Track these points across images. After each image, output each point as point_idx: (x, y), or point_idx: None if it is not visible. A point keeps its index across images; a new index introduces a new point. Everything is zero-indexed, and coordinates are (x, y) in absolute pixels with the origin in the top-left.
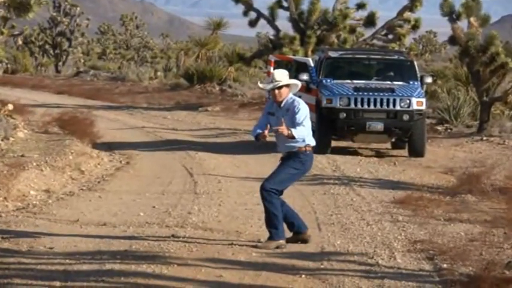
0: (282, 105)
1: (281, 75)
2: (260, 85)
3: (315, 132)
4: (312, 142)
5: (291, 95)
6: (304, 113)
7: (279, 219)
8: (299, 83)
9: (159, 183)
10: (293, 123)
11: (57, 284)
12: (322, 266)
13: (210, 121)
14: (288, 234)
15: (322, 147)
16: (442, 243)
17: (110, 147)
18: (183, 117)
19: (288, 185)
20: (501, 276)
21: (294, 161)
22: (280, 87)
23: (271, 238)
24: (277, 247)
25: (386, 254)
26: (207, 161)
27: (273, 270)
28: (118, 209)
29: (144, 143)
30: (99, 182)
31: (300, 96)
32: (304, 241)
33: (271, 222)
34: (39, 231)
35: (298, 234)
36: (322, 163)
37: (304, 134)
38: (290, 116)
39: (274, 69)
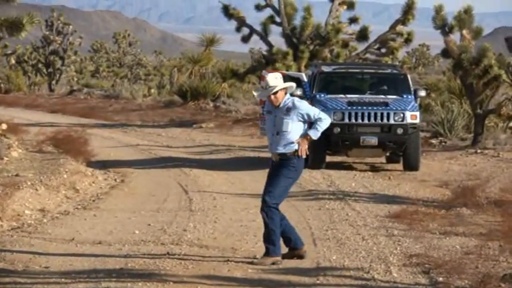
0: (280, 106)
1: (275, 80)
2: (255, 93)
3: (309, 148)
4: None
5: (288, 95)
6: (309, 107)
7: (277, 236)
8: (293, 84)
9: (154, 201)
10: (304, 121)
11: None
12: (318, 282)
13: (204, 138)
14: (284, 249)
15: (316, 163)
16: (437, 256)
17: (104, 165)
18: (178, 134)
19: (285, 196)
20: None
21: (288, 169)
22: (275, 92)
23: (267, 254)
24: (273, 263)
25: (382, 269)
26: (201, 178)
27: (269, 287)
28: (113, 227)
29: (139, 160)
30: (94, 201)
31: None
32: (300, 257)
33: (269, 238)
34: (34, 251)
35: (294, 250)
36: (317, 178)
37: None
38: (294, 115)
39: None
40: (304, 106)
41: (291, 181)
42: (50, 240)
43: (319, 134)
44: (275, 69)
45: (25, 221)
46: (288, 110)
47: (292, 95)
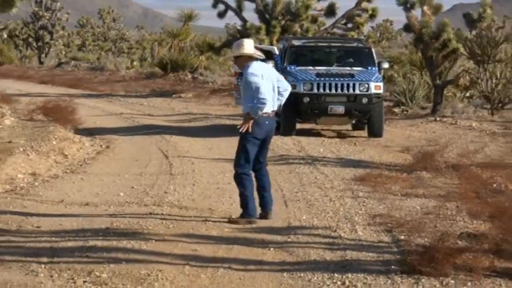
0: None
1: (242, 47)
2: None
3: (281, 116)
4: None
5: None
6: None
7: (249, 200)
8: (259, 54)
9: (137, 165)
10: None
11: (45, 259)
12: (289, 240)
13: (183, 107)
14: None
15: (287, 130)
16: (399, 216)
17: (90, 132)
18: (158, 104)
19: (250, 160)
20: (454, 247)
21: (240, 134)
22: (237, 57)
23: (242, 216)
24: (249, 223)
25: (348, 228)
26: (181, 144)
27: (244, 244)
28: (99, 189)
29: (123, 128)
30: (81, 165)
31: None
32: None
33: (241, 202)
34: (26, 212)
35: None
36: (288, 144)
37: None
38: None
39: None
40: (247, 76)
41: (244, 145)
42: (41, 202)
43: (256, 110)
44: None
45: (18, 184)
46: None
47: None
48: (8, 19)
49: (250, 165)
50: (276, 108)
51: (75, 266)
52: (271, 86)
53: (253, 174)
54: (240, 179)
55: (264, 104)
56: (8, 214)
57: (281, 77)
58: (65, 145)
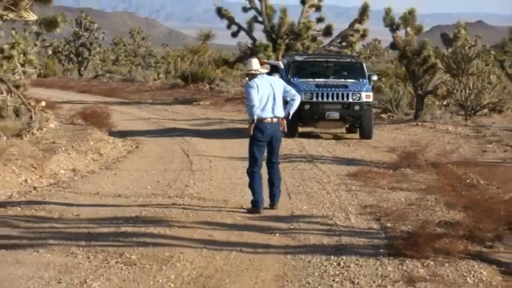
0: None
1: (248, 65)
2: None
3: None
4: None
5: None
6: (246, 90)
7: (256, 193)
8: (263, 70)
9: (162, 163)
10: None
11: (83, 243)
12: (292, 227)
13: (202, 113)
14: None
15: (291, 133)
16: (386, 207)
17: (122, 134)
18: (181, 110)
19: (256, 161)
20: (433, 233)
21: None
22: (247, 74)
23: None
24: (256, 213)
25: (342, 216)
26: (199, 145)
27: (253, 231)
28: (130, 183)
29: (150, 131)
30: (114, 163)
31: None
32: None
33: (251, 194)
34: (67, 202)
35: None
36: (291, 145)
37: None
38: None
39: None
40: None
41: (251, 147)
42: (80, 194)
43: (249, 116)
44: (258, 58)
45: (60, 179)
46: None
47: None
48: (53, 37)
49: (258, 163)
50: (278, 115)
51: (108, 249)
52: (269, 96)
53: (266, 171)
54: (249, 174)
55: (252, 112)
56: (51, 204)
57: (288, 87)
58: (101, 145)
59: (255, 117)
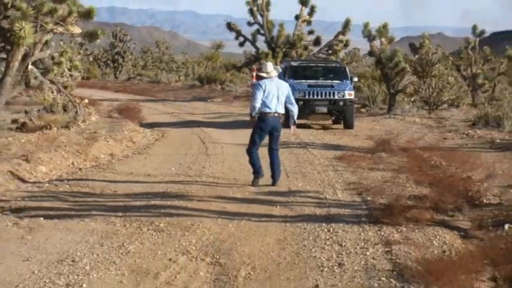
0: None
1: (263, 67)
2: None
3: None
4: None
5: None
6: (254, 90)
7: (255, 167)
8: (275, 74)
9: (183, 149)
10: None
11: (120, 214)
12: (289, 200)
13: (215, 108)
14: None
15: (287, 124)
16: (366, 184)
17: (151, 126)
18: (198, 106)
19: (254, 143)
20: (405, 204)
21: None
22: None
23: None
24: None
25: (331, 191)
26: (213, 134)
27: (258, 203)
28: (157, 165)
29: (173, 122)
30: (144, 148)
31: None
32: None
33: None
34: (107, 180)
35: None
36: (288, 134)
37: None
38: None
39: (255, 75)
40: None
41: (253, 134)
42: (117, 174)
43: (251, 110)
44: (259, 63)
45: (100, 161)
46: None
47: None
48: (94, 47)
49: (256, 146)
50: (279, 111)
51: (141, 219)
52: (273, 95)
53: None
54: (249, 153)
55: (252, 108)
56: (94, 182)
57: (291, 96)
58: (133, 134)
59: (253, 113)
